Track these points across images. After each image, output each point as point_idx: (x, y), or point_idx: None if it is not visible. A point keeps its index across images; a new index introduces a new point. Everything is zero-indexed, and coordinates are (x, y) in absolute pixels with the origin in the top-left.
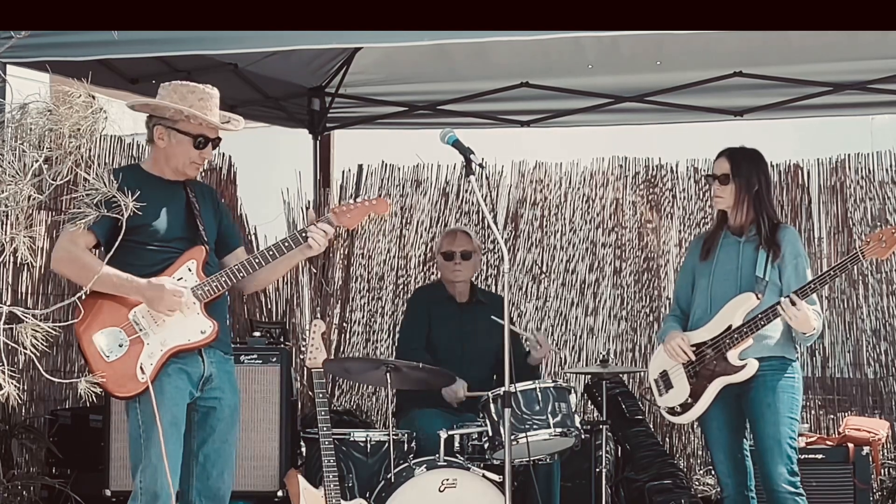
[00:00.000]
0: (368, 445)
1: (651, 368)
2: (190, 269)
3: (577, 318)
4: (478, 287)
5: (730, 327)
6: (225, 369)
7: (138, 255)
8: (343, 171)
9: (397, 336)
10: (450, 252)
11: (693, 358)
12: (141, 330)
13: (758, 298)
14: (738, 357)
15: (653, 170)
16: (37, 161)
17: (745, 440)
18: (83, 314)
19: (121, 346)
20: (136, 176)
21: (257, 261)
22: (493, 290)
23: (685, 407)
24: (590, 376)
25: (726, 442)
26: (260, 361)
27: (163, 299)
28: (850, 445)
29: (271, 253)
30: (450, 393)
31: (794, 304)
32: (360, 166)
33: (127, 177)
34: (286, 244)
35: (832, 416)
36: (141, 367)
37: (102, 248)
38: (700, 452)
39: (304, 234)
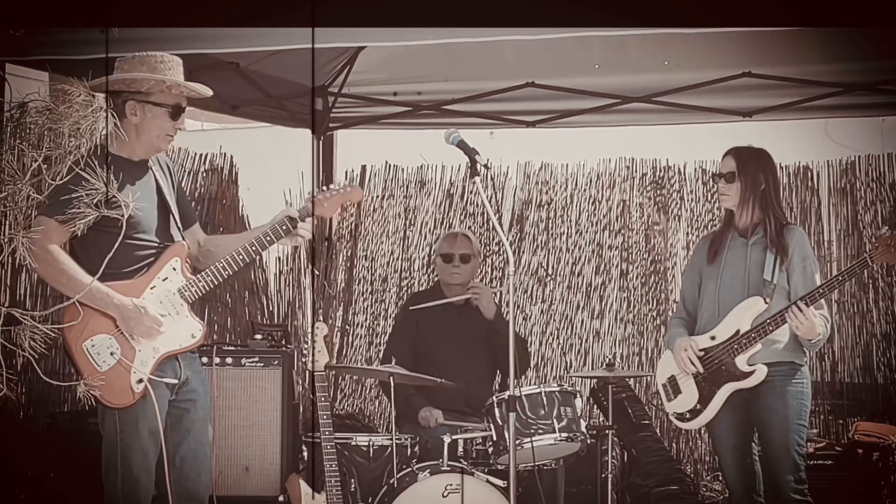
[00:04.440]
0: (371, 450)
1: (658, 373)
2: (174, 269)
3: (582, 321)
4: None
5: (738, 332)
6: (195, 368)
7: (119, 250)
8: (346, 172)
9: (385, 344)
10: (449, 254)
11: (702, 369)
12: (132, 337)
13: (766, 303)
14: (746, 362)
15: (660, 171)
16: (36, 161)
17: (753, 444)
18: (69, 319)
19: (112, 354)
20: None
21: (241, 257)
22: (498, 294)
23: (694, 413)
24: (596, 380)
25: (734, 446)
26: (261, 364)
27: (141, 323)
28: (860, 451)
29: (255, 248)
30: (426, 416)
31: (801, 311)
32: (364, 167)
33: (97, 165)
34: (268, 239)
35: (841, 422)
36: (136, 378)
37: (77, 238)
38: (707, 458)
39: (284, 227)
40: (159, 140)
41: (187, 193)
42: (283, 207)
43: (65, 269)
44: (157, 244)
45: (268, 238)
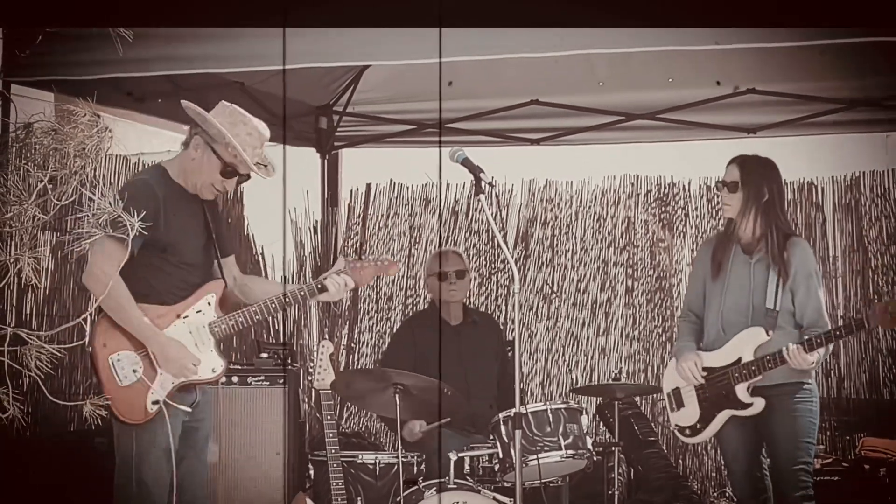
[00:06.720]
0: (377, 468)
1: (665, 381)
2: (209, 303)
3: (588, 338)
4: (470, 308)
5: (739, 360)
6: (205, 389)
7: (160, 275)
8: (351, 190)
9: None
10: (444, 272)
11: (703, 382)
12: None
13: (768, 335)
14: (746, 392)
15: (665, 188)
16: (41, 181)
17: (762, 458)
18: (100, 331)
19: (134, 371)
20: (164, 182)
21: (273, 306)
22: (504, 311)
23: (694, 431)
24: (601, 397)
25: (743, 462)
26: (267, 383)
27: (178, 363)
28: (867, 467)
29: (287, 300)
30: (407, 431)
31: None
32: (369, 185)
33: (156, 181)
34: (302, 293)
35: (848, 438)
36: (152, 399)
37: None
38: (714, 474)
39: (320, 286)
40: (203, 187)
41: None
42: (289, 226)
43: (122, 301)
44: (199, 277)
45: (301, 293)
